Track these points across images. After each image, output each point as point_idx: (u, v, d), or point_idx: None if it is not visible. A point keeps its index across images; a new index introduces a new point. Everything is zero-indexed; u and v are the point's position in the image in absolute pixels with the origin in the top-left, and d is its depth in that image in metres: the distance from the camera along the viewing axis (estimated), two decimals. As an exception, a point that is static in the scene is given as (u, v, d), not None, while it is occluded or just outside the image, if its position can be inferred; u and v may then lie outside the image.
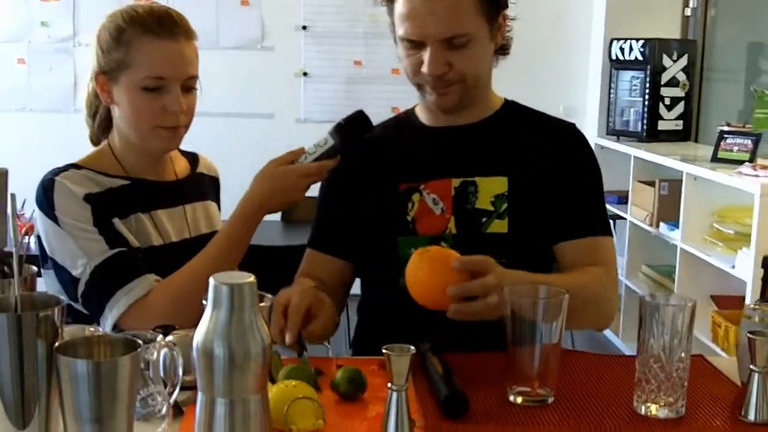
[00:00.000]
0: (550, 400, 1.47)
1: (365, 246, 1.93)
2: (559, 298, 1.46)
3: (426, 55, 1.79)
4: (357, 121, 1.81)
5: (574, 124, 1.99)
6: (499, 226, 1.85)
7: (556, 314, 1.45)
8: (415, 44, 1.80)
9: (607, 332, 5.07)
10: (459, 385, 1.44)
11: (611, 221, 2.00)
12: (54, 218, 1.76)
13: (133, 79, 1.79)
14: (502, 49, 1.91)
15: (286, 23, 5.64)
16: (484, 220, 1.86)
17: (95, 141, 1.95)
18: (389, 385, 1.29)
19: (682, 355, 1.40)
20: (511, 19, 1.90)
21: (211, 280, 1.15)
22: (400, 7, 1.80)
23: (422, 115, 1.98)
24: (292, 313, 1.59)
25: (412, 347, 1.29)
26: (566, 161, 1.90)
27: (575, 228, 1.88)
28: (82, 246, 1.76)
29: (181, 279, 1.77)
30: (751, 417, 1.41)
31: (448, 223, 1.87)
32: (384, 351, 1.28)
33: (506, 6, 1.87)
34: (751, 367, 1.41)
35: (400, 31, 1.81)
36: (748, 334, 1.40)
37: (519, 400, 1.47)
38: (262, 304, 1.37)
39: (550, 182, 1.87)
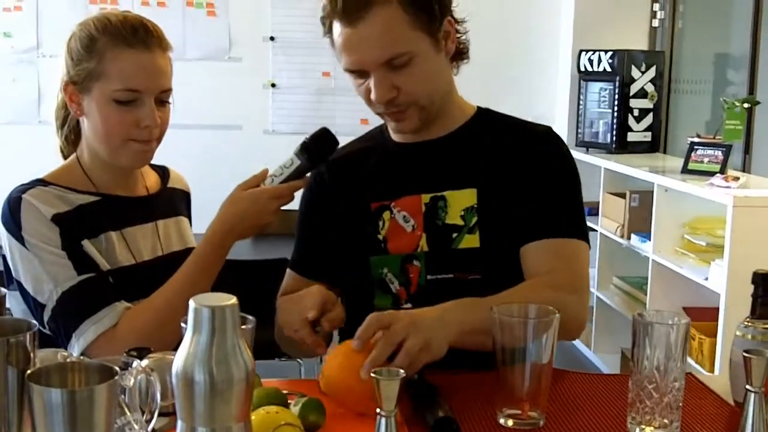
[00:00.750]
0: (542, 423, 1.42)
1: (340, 266, 1.89)
2: (550, 317, 1.41)
3: (371, 83, 1.74)
4: (322, 139, 1.78)
5: (550, 128, 1.92)
6: (471, 241, 1.79)
7: (545, 332, 1.41)
8: (358, 74, 1.76)
9: (579, 345, 5.06)
10: (448, 409, 1.39)
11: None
12: (21, 239, 1.69)
13: (104, 91, 1.72)
14: (459, 55, 1.85)
15: (254, 34, 5.58)
16: (454, 235, 1.80)
17: (65, 154, 1.88)
18: (378, 410, 1.24)
19: (677, 375, 1.37)
20: (462, 21, 1.83)
21: (191, 303, 1.09)
22: (336, 39, 1.75)
23: (392, 132, 1.93)
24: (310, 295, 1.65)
25: (402, 370, 1.24)
26: (537, 164, 1.82)
27: (539, 228, 1.77)
28: (50, 270, 1.69)
29: (151, 308, 1.71)
30: (747, 438, 1.38)
31: (420, 240, 1.81)
32: (372, 375, 1.23)
33: (446, 13, 1.78)
34: (747, 387, 1.37)
35: (342, 63, 1.77)
36: (744, 353, 1.36)
37: (510, 423, 1.42)
38: (243, 327, 1.32)
39: (520, 187, 1.79)
